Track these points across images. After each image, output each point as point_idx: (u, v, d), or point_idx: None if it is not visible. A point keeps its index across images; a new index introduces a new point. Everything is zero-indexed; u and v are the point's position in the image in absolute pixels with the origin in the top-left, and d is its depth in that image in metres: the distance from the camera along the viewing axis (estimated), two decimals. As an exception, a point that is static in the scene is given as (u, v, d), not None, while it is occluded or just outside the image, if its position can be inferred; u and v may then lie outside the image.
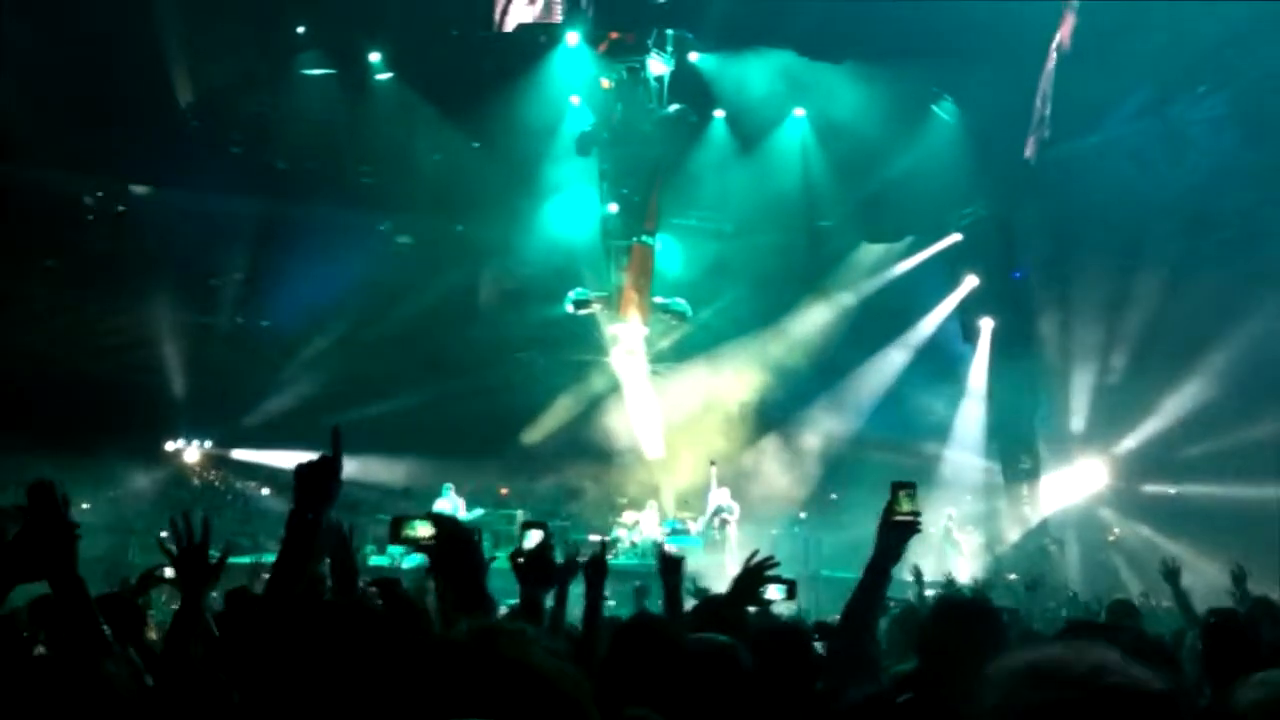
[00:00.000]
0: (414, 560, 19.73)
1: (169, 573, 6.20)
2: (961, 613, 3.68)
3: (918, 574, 9.96)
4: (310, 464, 3.09)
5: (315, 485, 3.08)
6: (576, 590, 4.98)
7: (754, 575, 4.47)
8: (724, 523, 21.52)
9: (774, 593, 4.54)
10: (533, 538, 4.32)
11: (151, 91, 20.10)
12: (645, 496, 23.02)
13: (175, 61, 20.12)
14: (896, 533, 3.91)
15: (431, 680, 1.66)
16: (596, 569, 5.15)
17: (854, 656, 3.81)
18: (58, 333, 21.79)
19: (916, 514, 3.93)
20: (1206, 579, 11.37)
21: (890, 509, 3.93)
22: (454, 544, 3.24)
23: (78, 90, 19.05)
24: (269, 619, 2.89)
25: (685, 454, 23.86)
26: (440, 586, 3.51)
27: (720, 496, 21.94)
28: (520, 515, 21.43)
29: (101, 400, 20.50)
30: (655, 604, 6.68)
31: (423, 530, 3.50)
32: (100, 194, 22.08)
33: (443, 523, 3.35)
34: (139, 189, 22.30)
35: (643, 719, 2.19)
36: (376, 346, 22.88)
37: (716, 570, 15.17)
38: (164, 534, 3.29)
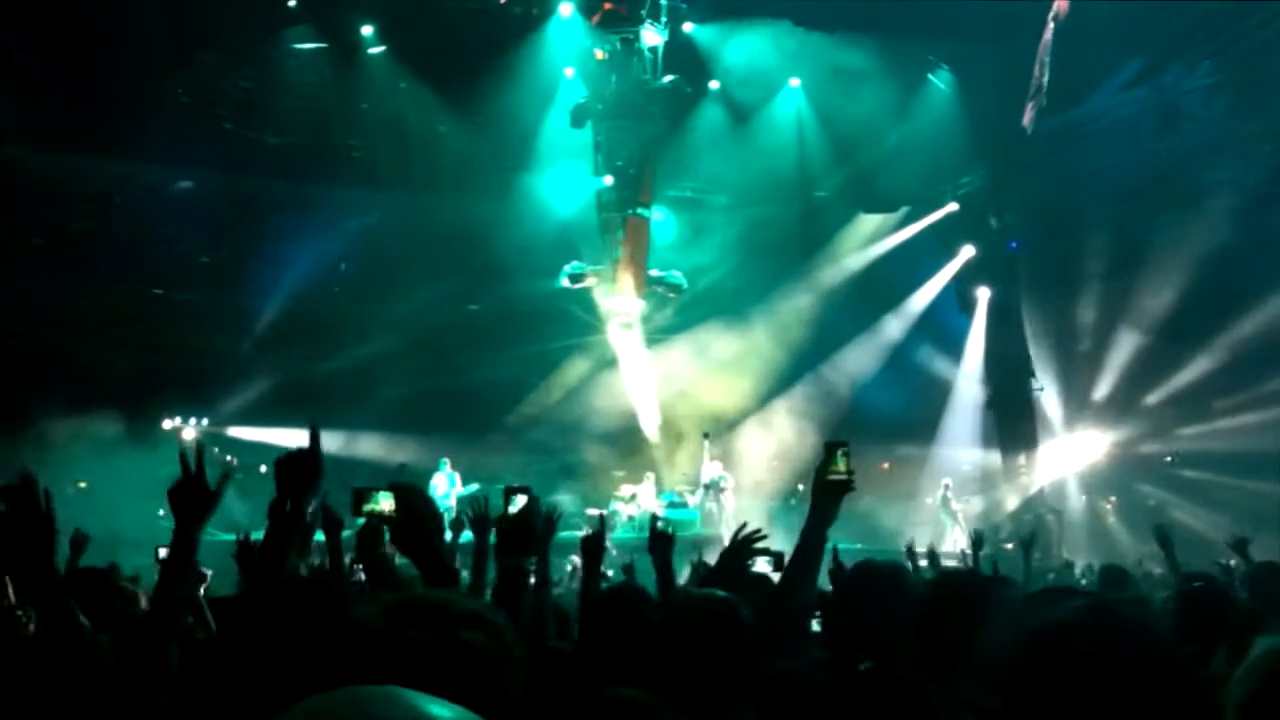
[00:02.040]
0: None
1: (165, 553, 6.15)
2: (961, 590, 3.64)
3: (910, 550, 9.90)
4: (290, 457, 3.11)
5: (295, 477, 3.10)
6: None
7: (742, 548, 4.45)
8: (720, 493, 21.59)
9: (763, 565, 4.53)
10: (518, 503, 4.17)
11: (139, 67, 19.93)
12: (642, 469, 23.03)
13: (164, 36, 19.93)
14: (831, 494, 3.85)
15: (341, 663, 1.63)
16: (593, 548, 5.13)
17: (785, 620, 3.77)
18: (47, 311, 21.73)
19: (850, 473, 3.85)
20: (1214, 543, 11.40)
21: (823, 469, 3.86)
22: (415, 517, 3.19)
23: (63, 66, 18.94)
24: (248, 605, 2.89)
25: (682, 426, 23.89)
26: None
27: (713, 469, 21.97)
28: (517, 489, 21.38)
29: (95, 379, 20.45)
30: (645, 579, 6.66)
31: (385, 504, 3.43)
32: (87, 170, 21.97)
33: (404, 495, 3.28)
34: (128, 165, 22.16)
35: (626, 700, 2.15)
36: (370, 322, 22.83)
37: (715, 543, 15.22)
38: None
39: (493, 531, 5.32)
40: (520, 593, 3.70)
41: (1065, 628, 1.72)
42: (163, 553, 6.00)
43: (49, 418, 19.74)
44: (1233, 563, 7.94)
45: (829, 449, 3.89)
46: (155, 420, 23.12)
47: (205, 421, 24.25)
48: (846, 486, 3.84)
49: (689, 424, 23.75)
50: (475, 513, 5.18)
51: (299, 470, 3.10)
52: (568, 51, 21.70)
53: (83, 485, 22.15)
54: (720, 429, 23.53)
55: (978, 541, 9.20)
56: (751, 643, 2.96)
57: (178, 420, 23.98)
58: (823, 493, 3.84)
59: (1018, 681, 1.70)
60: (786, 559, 4.58)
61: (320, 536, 6.12)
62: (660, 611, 3.48)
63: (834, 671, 3.27)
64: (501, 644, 1.67)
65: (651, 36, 21.01)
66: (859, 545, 14.87)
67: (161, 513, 21.83)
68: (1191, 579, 5.69)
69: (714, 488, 21.73)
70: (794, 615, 3.80)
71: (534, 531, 3.94)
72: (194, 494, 3.17)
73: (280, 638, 2.52)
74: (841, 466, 3.85)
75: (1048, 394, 24.93)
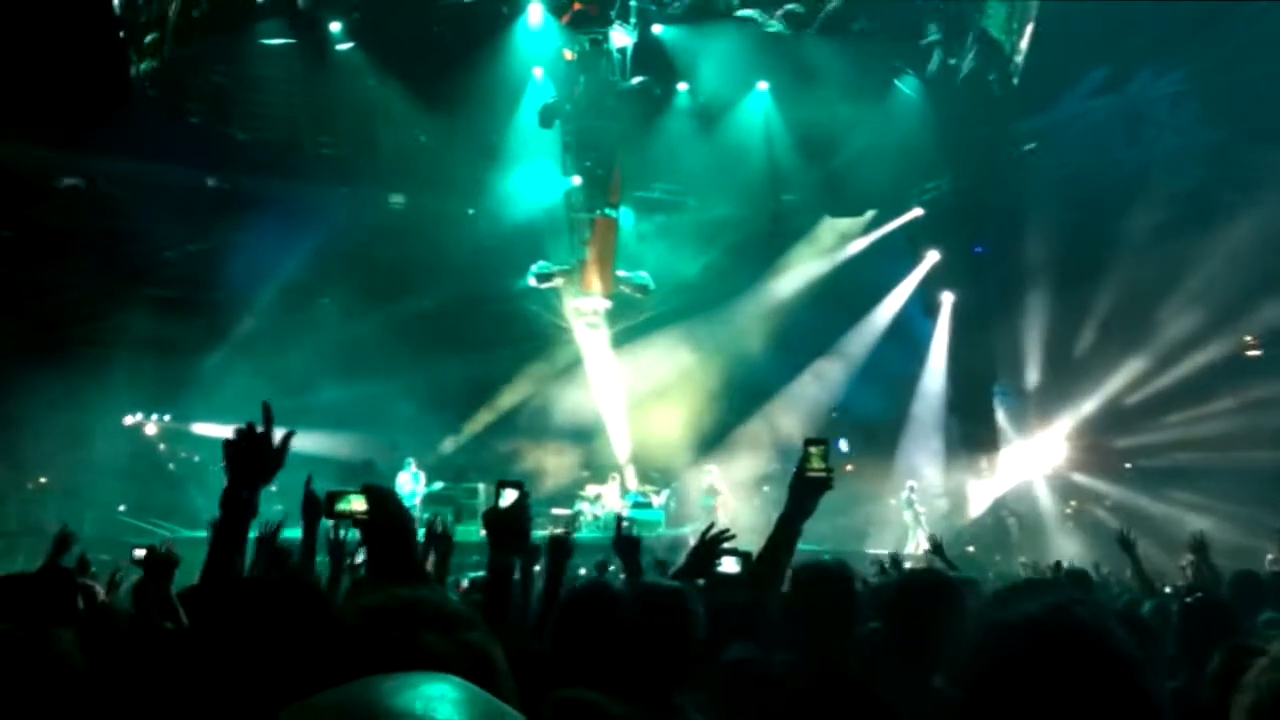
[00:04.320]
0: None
1: (139, 554, 6.06)
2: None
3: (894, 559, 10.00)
4: (239, 438, 3.00)
5: (246, 460, 2.99)
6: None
7: (710, 548, 4.48)
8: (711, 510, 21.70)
9: (730, 564, 4.56)
10: (508, 497, 3.98)
11: (107, 60, 19.75)
12: (607, 470, 23.06)
13: (131, 29, 19.76)
14: (808, 490, 3.86)
15: (319, 663, 1.63)
16: (559, 548, 5.15)
17: (758, 610, 3.82)
18: (12, 305, 21.51)
19: (829, 470, 3.87)
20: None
21: (802, 466, 3.87)
22: (388, 520, 3.14)
23: (30, 58, 18.74)
24: (201, 599, 2.84)
25: (648, 427, 23.90)
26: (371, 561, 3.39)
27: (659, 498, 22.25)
28: (482, 488, 21.42)
29: (57, 373, 20.25)
30: (616, 577, 6.70)
31: (357, 504, 3.38)
32: (55, 165, 21.78)
33: (375, 496, 3.23)
34: (94, 159, 21.96)
35: (574, 700, 2.16)
36: (336, 320, 22.71)
37: (682, 545, 15.25)
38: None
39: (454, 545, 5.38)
40: (510, 591, 3.69)
41: (1023, 626, 1.75)
42: (139, 553, 5.95)
43: (12, 411, 19.56)
44: (1186, 562, 8.03)
45: (807, 445, 3.90)
46: (116, 416, 22.95)
47: (168, 418, 24.07)
48: (825, 484, 3.86)
49: (656, 424, 23.76)
50: (436, 533, 5.22)
51: (250, 452, 3.00)
52: (537, 51, 21.65)
53: (44, 480, 21.98)
54: (686, 430, 23.63)
55: (938, 546, 9.30)
56: (698, 633, 2.99)
57: (139, 416, 23.81)
58: (800, 489, 3.85)
59: (978, 674, 1.73)
60: (752, 560, 4.63)
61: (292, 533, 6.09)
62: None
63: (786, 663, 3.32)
64: (494, 643, 1.68)
65: (621, 38, 20.99)
66: (820, 546, 14.92)
67: (123, 508, 21.56)
68: (1191, 591, 5.81)
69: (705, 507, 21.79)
70: (764, 603, 3.83)
71: (526, 528, 3.90)
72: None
73: (249, 633, 2.50)
74: (819, 464, 3.85)
75: (1010, 398, 25.13)
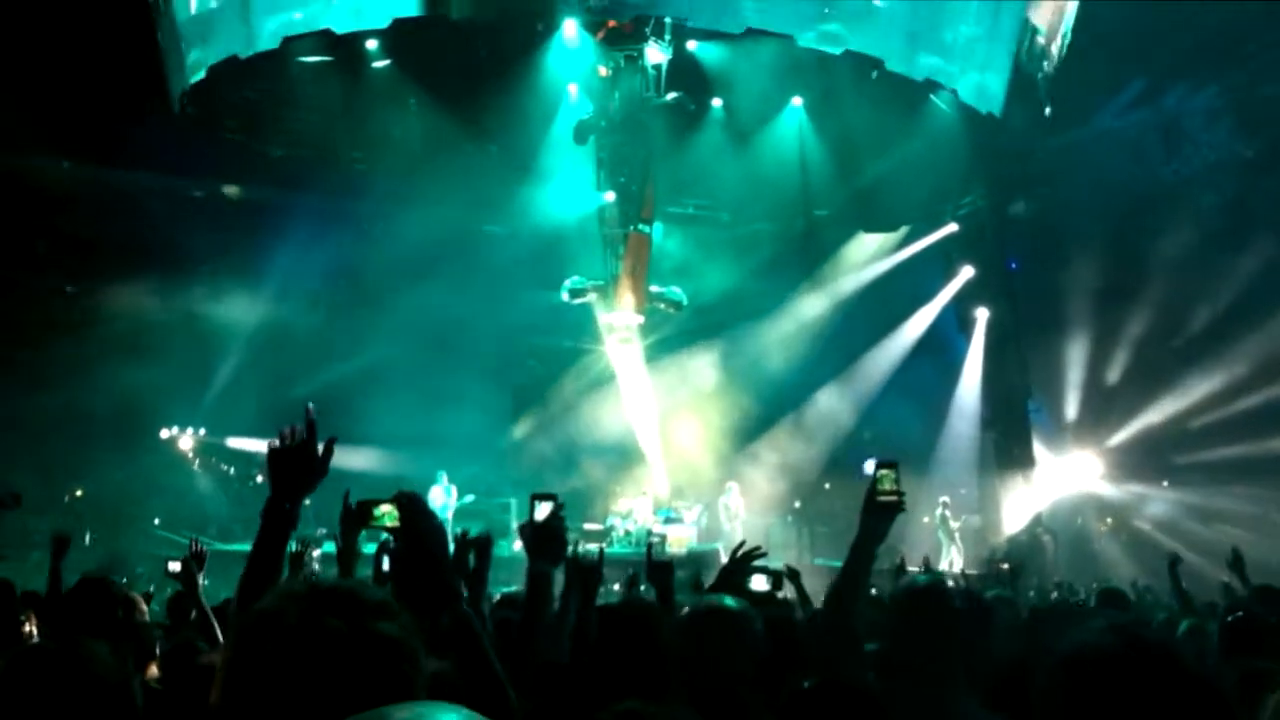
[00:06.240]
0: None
1: (174, 567, 5.97)
2: (919, 600, 3.69)
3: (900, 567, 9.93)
4: (283, 443, 2.92)
5: (290, 470, 2.92)
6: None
7: (740, 566, 4.46)
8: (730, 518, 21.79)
9: (760, 583, 4.53)
10: (542, 509, 3.89)
11: (144, 76, 19.97)
12: (639, 485, 23.03)
13: (169, 45, 19.96)
14: (881, 514, 3.82)
15: (237, 645, 1.68)
16: (589, 575, 5.14)
17: (838, 637, 3.78)
18: (48, 317, 21.76)
19: (900, 494, 3.82)
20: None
21: (873, 489, 3.82)
22: (418, 533, 3.03)
23: (70, 74, 19.00)
24: (239, 614, 2.80)
25: (681, 442, 23.87)
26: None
27: (692, 514, 22.19)
28: (514, 503, 21.46)
29: (95, 385, 20.45)
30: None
31: (389, 518, 3.28)
32: (93, 178, 22.03)
33: (407, 508, 3.14)
34: (132, 174, 22.20)
35: (631, 712, 2.16)
36: (370, 333, 22.82)
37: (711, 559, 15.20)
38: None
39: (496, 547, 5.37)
40: (548, 601, 3.66)
41: (1097, 654, 1.72)
42: (174, 566, 5.94)
43: (48, 423, 19.73)
44: (1228, 579, 7.96)
45: (877, 468, 3.85)
46: (153, 428, 23.14)
47: (203, 431, 24.26)
48: (897, 508, 3.82)
49: (688, 440, 23.74)
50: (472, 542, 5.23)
51: (294, 460, 2.92)
52: (572, 68, 21.66)
53: (80, 493, 22.17)
54: (717, 445, 23.59)
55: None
56: (762, 652, 2.99)
57: (175, 429, 24.00)
58: (872, 514, 3.82)
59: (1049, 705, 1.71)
60: (783, 579, 4.61)
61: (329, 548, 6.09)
62: (673, 622, 3.49)
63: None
64: (410, 634, 1.72)
65: (655, 54, 20.95)
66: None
67: (157, 521, 21.70)
68: (1232, 609, 5.75)
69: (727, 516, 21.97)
70: (843, 630, 3.80)
71: (564, 537, 3.87)
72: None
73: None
74: (890, 487, 3.80)
75: (1046, 414, 24.94)
